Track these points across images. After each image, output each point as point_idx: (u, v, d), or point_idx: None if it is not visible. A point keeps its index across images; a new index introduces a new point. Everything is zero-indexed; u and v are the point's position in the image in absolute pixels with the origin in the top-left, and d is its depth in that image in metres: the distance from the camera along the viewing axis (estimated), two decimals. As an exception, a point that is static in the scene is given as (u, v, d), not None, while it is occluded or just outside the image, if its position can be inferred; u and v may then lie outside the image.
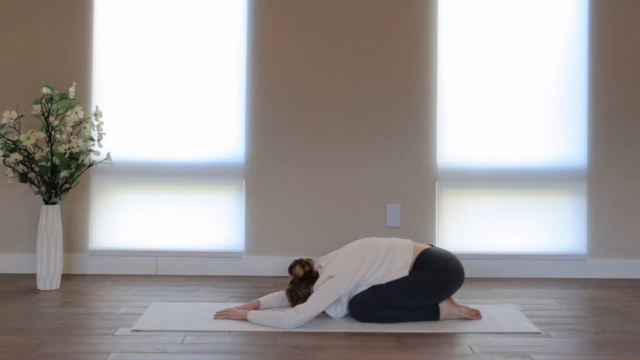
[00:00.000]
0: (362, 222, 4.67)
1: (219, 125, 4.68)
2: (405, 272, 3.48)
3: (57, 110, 4.15)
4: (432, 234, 4.67)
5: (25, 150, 4.11)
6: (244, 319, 3.46)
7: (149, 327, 3.35)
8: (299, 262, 3.57)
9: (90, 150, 4.21)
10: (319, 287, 3.46)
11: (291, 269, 3.57)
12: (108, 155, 4.24)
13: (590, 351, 3.08)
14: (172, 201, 4.68)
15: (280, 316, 3.36)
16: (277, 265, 4.64)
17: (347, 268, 3.45)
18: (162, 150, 4.67)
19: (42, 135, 4.12)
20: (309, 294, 3.51)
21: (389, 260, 3.51)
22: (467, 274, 4.43)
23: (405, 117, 4.67)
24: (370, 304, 3.45)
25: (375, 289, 3.47)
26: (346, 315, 3.55)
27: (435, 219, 4.68)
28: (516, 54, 4.70)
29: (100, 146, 4.26)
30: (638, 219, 4.69)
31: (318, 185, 4.67)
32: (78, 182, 4.28)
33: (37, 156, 4.12)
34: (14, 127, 4.22)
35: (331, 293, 3.40)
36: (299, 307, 3.38)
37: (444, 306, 3.54)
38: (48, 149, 4.16)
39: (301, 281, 3.56)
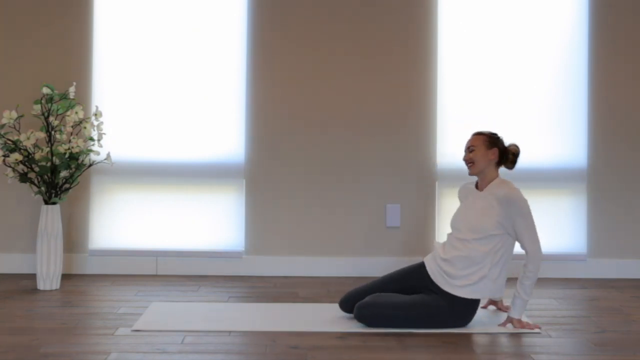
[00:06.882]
0: (362, 222, 4.67)
1: (219, 126, 4.68)
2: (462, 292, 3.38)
3: (57, 110, 4.15)
4: (432, 234, 4.67)
5: (25, 150, 4.11)
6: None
7: (149, 327, 3.35)
8: (517, 147, 3.52)
9: (90, 150, 4.21)
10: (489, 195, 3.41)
11: (506, 146, 3.51)
12: (108, 155, 4.24)
13: (590, 351, 3.08)
14: (172, 201, 4.68)
15: (528, 283, 3.34)
16: (277, 265, 4.64)
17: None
18: (162, 150, 4.67)
19: (42, 135, 4.12)
20: (484, 169, 3.46)
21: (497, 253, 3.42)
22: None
23: (405, 117, 4.67)
24: (380, 310, 3.34)
25: (393, 304, 3.35)
26: (352, 319, 3.51)
27: (435, 219, 4.68)
28: (516, 54, 4.70)
29: (100, 146, 4.26)
30: (638, 219, 4.69)
31: (318, 185, 4.67)
32: (78, 182, 4.28)
33: (37, 156, 4.12)
34: (14, 127, 4.22)
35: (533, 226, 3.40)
36: (532, 258, 3.34)
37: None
38: (48, 149, 4.16)
39: (504, 155, 3.50)
